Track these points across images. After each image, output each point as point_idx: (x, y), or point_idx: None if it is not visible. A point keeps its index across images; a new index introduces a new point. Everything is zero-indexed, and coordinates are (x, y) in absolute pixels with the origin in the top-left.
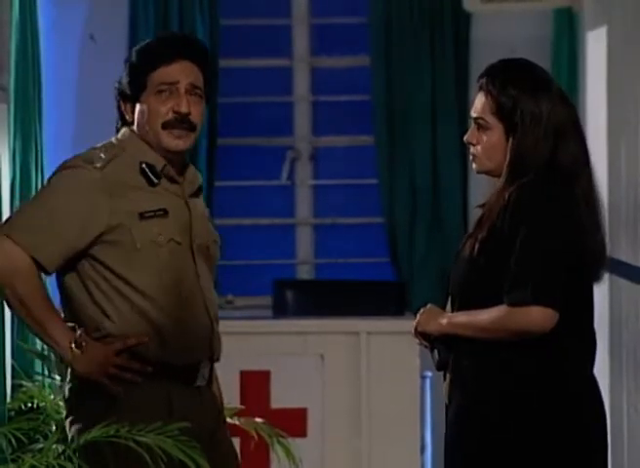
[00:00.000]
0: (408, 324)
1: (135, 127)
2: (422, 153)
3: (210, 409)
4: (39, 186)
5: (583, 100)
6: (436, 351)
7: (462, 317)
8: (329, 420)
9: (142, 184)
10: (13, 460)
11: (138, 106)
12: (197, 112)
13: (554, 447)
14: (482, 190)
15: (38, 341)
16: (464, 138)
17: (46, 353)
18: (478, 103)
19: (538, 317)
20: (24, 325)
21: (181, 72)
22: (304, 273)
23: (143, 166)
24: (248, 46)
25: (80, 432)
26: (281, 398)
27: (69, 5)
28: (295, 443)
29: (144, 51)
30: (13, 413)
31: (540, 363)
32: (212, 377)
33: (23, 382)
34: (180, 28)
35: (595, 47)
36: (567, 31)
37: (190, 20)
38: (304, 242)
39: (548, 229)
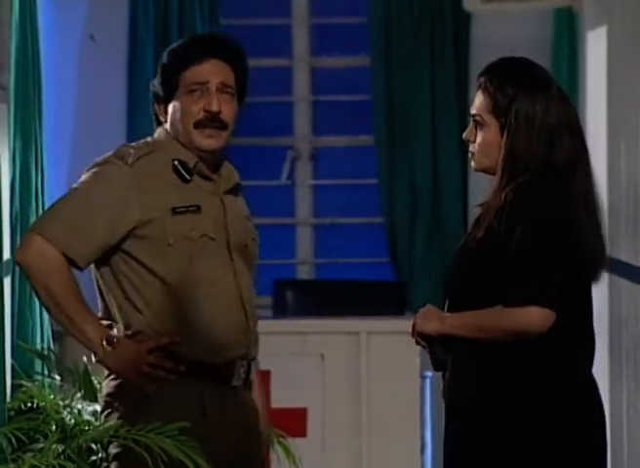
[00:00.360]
0: (408, 324)
1: (168, 126)
2: (422, 153)
3: (248, 412)
4: (39, 186)
5: (583, 100)
6: (434, 351)
7: (460, 317)
8: (329, 420)
9: (175, 181)
10: (13, 460)
11: (170, 106)
12: (228, 110)
13: (552, 447)
14: (482, 190)
15: (38, 341)
16: (463, 136)
17: (46, 353)
18: (477, 101)
19: (535, 317)
20: (25, 323)
21: (212, 71)
22: (304, 273)
23: (176, 163)
24: (248, 46)
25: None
26: (281, 397)
27: (69, 5)
28: (295, 442)
29: (176, 51)
30: (13, 413)
31: (537, 363)
32: (249, 379)
33: (23, 382)
34: (179, 28)
35: (595, 47)
36: (567, 31)
37: (190, 20)
38: (304, 242)
39: (545, 229)
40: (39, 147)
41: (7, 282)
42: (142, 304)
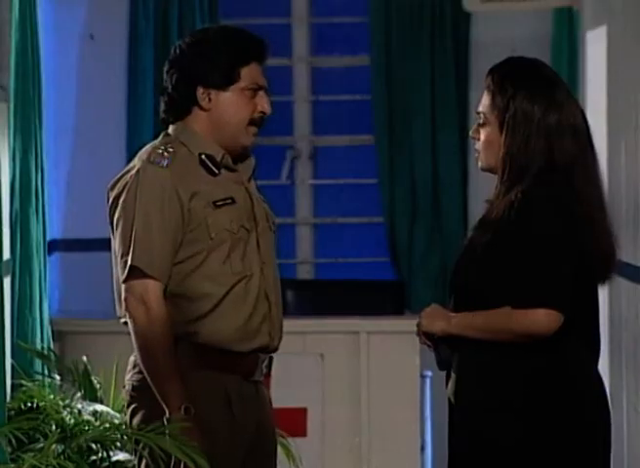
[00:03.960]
0: (408, 323)
1: (204, 114)
2: (422, 153)
3: (266, 408)
4: (39, 185)
5: (583, 99)
6: (439, 351)
7: (467, 318)
8: (329, 419)
9: (205, 175)
10: (13, 460)
11: (222, 95)
12: (270, 112)
13: (560, 446)
14: (482, 190)
15: (38, 341)
16: (470, 133)
17: (46, 353)
18: (482, 99)
19: (542, 319)
20: (25, 323)
21: (264, 77)
22: (304, 273)
23: (203, 157)
24: None
25: (144, 418)
26: (281, 397)
27: (69, 4)
28: (295, 442)
29: (236, 42)
30: (13, 413)
31: (544, 363)
32: (269, 374)
33: (23, 382)
34: (179, 28)
35: (595, 46)
36: (567, 30)
37: (190, 20)
38: (304, 241)
39: (553, 231)
40: (39, 147)
41: (7, 282)
42: (179, 291)
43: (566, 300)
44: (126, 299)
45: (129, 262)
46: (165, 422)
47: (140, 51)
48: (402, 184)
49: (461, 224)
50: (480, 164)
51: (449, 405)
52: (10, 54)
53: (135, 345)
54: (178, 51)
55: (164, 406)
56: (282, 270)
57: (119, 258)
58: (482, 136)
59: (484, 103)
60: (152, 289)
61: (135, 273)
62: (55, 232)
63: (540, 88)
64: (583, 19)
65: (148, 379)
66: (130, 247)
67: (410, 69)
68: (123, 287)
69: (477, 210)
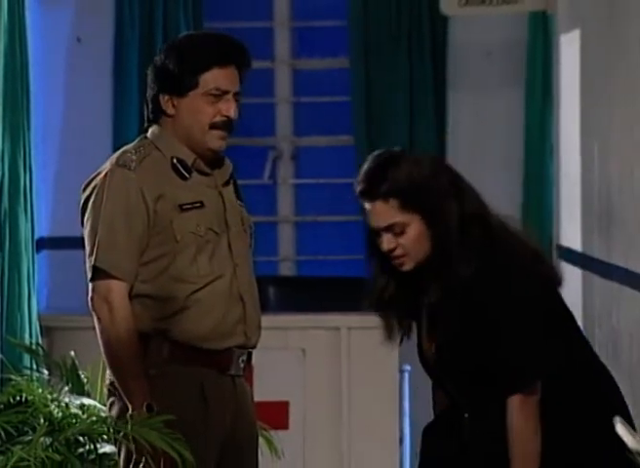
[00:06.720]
0: None
1: (171, 120)
2: None
3: (245, 401)
4: (27, 185)
5: (558, 101)
6: None
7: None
8: (310, 413)
9: (176, 179)
10: (2, 452)
11: (182, 102)
12: (236, 117)
13: None
14: None
15: (27, 336)
16: (384, 249)
17: (34, 348)
18: (381, 213)
19: (516, 407)
20: (14, 319)
21: (232, 81)
22: (286, 269)
23: (174, 161)
24: None
25: (121, 411)
26: (263, 391)
27: (56, 8)
28: (277, 435)
29: (198, 48)
30: (2, 407)
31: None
32: (248, 368)
33: (12, 376)
34: (164, 31)
35: (568, 49)
36: (541, 34)
37: (175, 24)
38: (286, 239)
39: (510, 309)
40: (27, 147)
41: None
42: (149, 291)
43: (542, 371)
44: (92, 299)
45: (93, 263)
46: (128, 419)
47: (125, 53)
48: None
49: None
50: (407, 267)
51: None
52: None
53: (100, 343)
54: (155, 59)
55: (127, 402)
56: (264, 267)
57: (87, 259)
58: (404, 240)
59: (388, 214)
60: (116, 288)
61: (99, 274)
62: (43, 230)
63: (416, 167)
64: (558, 23)
65: (113, 376)
66: (94, 248)
67: (389, 71)
68: (90, 286)
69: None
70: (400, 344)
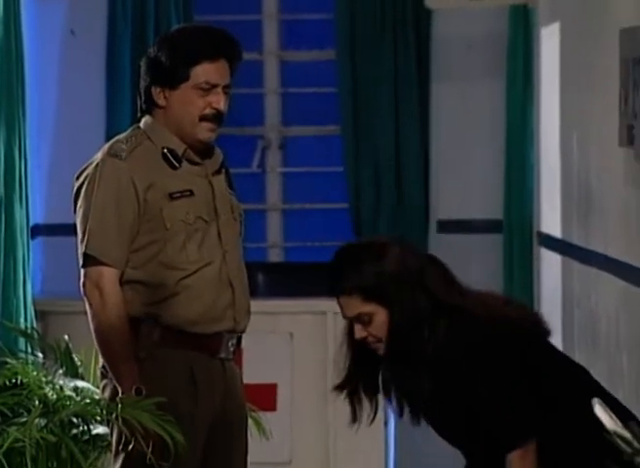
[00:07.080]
0: None
1: (162, 111)
2: (386, 142)
3: (235, 384)
4: (22, 172)
5: (538, 91)
6: None
7: None
8: (297, 395)
9: (166, 168)
10: None
11: (173, 94)
12: (226, 109)
13: None
14: (442, 178)
15: (22, 320)
16: (356, 338)
17: (29, 331)
18: (347, 306)
19: (517, 460)
20: (9, 303)
21: (222, 75)
22: (275, 256)
23: (165, 151)
24: None
25: (113, 393)
26: (252, 374)
27: (50, 1)
28: (265, 416)
29: (190, 42)
30: None
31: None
32: (236, 352)
33: (8, 359)
34: (155, 24)
35: (549, 42)
36: (522, 27)
37: (166, 17)
38: (274, 226)
39: (490, 371)
40: (22, 136)
41: None
42: (140, 277)
43: (531, 427)
44: (83, 285)
45: (84, 250)
46: (118, 402)
47: (118, 46)
48: (366, 172)
49: (423, 211)
50: (382, 351)
51: None
52: None
53: (91, 328)
54: (148, 51)
55: (117, 385)
56: (253, 253)
57: (78, 245)
58: (373, 328)
59: (353, 306)
60: (107, 275)
61: (90, 260)
62: (37, 217)
63: (381, 257)
64: (538, 17)
65: (103, 360)
66: (85, 235)
67: (374, 63)
68: (81, 272)
69: (437, 196)
70: (370, 424)
